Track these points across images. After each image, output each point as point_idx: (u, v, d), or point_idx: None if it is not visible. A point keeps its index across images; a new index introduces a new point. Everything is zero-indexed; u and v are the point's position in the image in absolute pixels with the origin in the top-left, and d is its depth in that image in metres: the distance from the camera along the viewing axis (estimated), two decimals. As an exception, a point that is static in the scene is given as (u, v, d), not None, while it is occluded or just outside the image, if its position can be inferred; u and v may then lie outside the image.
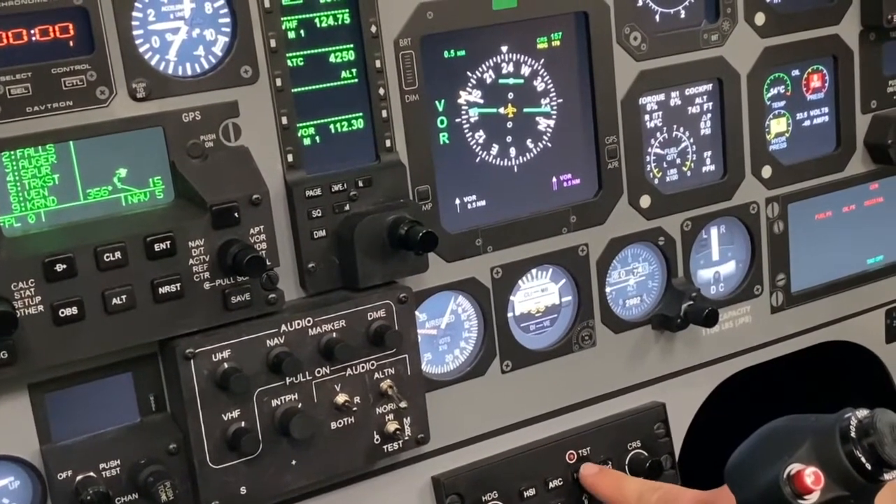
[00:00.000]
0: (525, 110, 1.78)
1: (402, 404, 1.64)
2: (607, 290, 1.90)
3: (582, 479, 1.83)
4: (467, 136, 1.75)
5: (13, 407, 1.45)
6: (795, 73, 2.05)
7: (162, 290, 1.46)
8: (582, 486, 1.85)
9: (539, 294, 1.86)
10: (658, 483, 1.77)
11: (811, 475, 1.16)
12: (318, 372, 1.59)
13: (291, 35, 1.57)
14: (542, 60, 1.78)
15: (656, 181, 1.92)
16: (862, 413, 1.20)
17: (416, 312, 1.69)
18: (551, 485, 1.84)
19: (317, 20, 1.59)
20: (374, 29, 1.61)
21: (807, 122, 2.08)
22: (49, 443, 1.48)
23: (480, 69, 1.74)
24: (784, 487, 1.17)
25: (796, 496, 1.17)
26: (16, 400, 1.45)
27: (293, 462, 1.58)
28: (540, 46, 1.78)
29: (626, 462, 1.91)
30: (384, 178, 1.64)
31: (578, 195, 1.85)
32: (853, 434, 1.18)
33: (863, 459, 1.17)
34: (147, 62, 1.47)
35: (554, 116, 1.81)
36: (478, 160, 1.76)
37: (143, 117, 1.47)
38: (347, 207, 1.61)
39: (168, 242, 1.46)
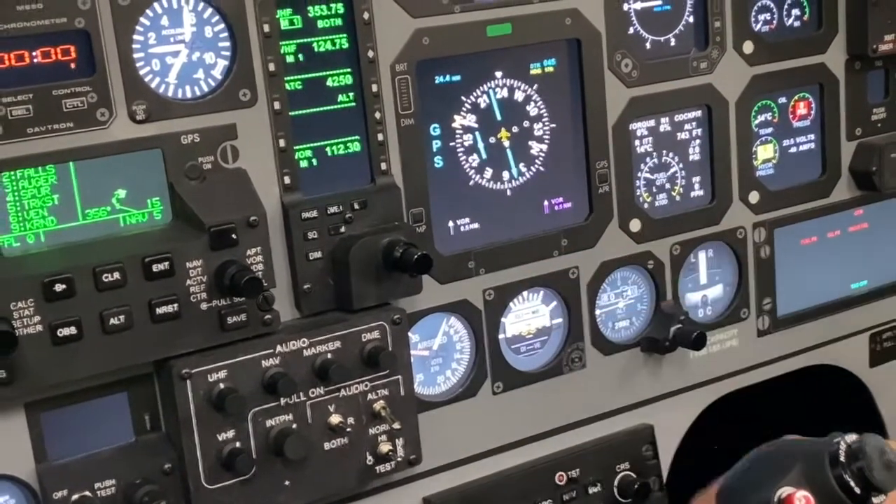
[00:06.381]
0: (518, 135, 1.81)
1: (396, 425, 1.65)
2: (597, 312, 1.93)
3: None
4: (461, 159, 1.77)
5: (9, 426, 1.46)
6: (782, 100, 2.08)
7: (159, 311, 1.47)
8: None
9: (530, 316, 1.88)
10: None
11: (801, 499, 1.19)
12: (313, 393, 1.60)
13: (290, 59, 1.59)
14: (536, 86, 1.81)
15: (646, 205, 1.95)
16: (851, 438, 1.23)
17: (409, 333, 1.70)
18: (541, 506, 1.86)
19: (315, 45, 1.61)
20: (371, 54, 1.63)
21: (793, 149, 2.12)
22: (45, 462, 1.49)
23: (475, 94, 1.76)
24: (775, 510, 1.20)
25: (787, 519, 1.20)
26: (12, 419, 1.46)
27: (286, 483, 1.59)
28: (533, 72, 1.80)
29: (615, 484, 1.93)
30: (379, 201, 1.65)
31: (570, 219, 1.87)
32: (842, 458, 1.21)
33: (851, 483, 1.20)
34: (147, 85, 1.49)
35: (546, 141, 1.84)
36: (471, 183, 1.78)
37: (143, 139, 1.49)
38: (343, 229, 1.63)
39: (166, 263, 1.47)
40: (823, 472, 1.21)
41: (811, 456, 1.23)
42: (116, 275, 1.44)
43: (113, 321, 1.44)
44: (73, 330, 1.42)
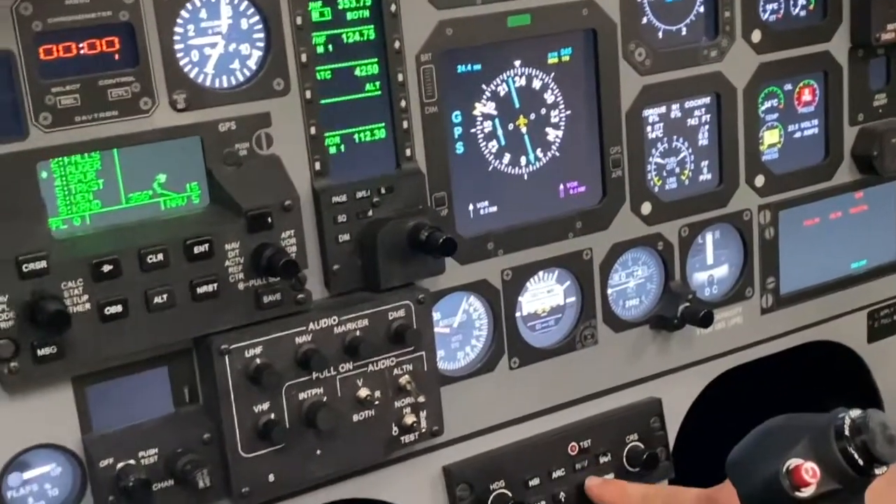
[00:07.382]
0: (535, 121, 1.88)
1: (420, 398, 1.74)
2: (609, 291, 2.00)
3: (588, 490, 1.94)
4: (481, 145, 1.84)
5: (58, 398, 1.54)
6: (788, 87, 2.15)
7: (200, 290, 1.55)
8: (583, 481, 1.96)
9: (545, 295, 1.96)
10: (660, 486, 1.86)
11: (809, 470, 1.26)
12: (342, 368, 1.68)
13: (320, 50, 1.66)
14: (553, 74, 1.88)
15: (656, 189, 2.03)
16: (855, 413, 1.30)
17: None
18: (554, 475, 1.94)
19: (344, 36, 1.67)
20: (397, 44, 1.70)
21: (798, 134, 2.19)
22: (90, 432, 1.57)
23: (495, 82, 1.83)
24: (783, 480, 1.27)
25: (794, 489, 1.27)
26: (60, 392, 1.54)
27: (318, 452, 1.68)
28: (551, 61, 1.87)
29: (624, 454, 2.01)
30: (404, 186, 1.73)
31: (584, 202, 1.95)
32: (847, 432, 1.28)
33: (856, 456, 1.27)
34: (187, 75, 1.56)
35: (562, 127, 1.91)
36: (490, 168, 1.86)
37: (183, 127, 1.56)
38: (370, 213, 1.70)
39: (207, 245, 1.54)
40: (829, 445, 1.27)
41: (817, 430, 1.29)
42: (160, 256, 1.52)
43: (157, 300, 1.52)
44: (119, 308, 1.50)
